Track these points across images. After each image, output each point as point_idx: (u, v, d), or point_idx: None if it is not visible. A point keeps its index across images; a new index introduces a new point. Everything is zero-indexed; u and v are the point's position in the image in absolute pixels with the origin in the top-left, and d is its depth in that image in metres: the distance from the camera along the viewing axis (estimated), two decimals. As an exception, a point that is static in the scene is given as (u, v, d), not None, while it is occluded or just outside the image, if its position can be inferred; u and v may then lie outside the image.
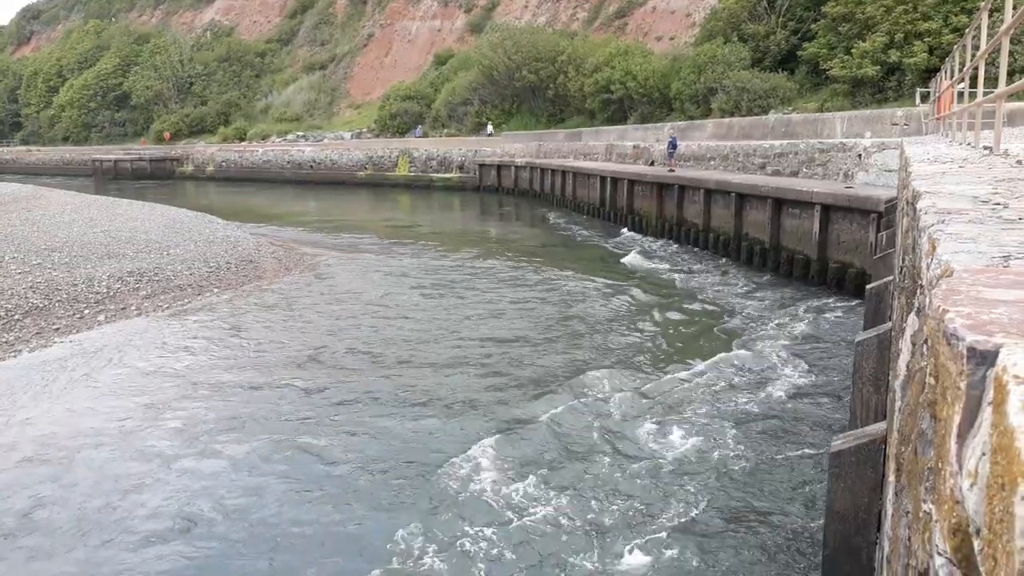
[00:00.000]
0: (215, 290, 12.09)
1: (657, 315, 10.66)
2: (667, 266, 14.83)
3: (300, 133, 52.73)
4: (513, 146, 35.68)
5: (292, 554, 4.67)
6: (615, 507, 5.21)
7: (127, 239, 14.96)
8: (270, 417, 6.81)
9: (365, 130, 49.99)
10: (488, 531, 4.87)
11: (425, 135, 41.80)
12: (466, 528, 4.91)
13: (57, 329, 9.49)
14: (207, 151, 51.11)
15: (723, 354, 8.68)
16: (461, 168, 37.80)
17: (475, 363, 8.35)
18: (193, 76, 64.22)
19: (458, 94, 44.56)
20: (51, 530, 4.90)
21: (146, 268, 12.63)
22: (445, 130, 44.06)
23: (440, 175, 38.46)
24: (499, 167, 34.89)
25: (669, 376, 7.94)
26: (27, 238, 14.36)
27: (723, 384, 7.69)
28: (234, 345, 9.14)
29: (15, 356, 8.50)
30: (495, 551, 4.67)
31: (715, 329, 10.01)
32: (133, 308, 10.64)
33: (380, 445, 6.24)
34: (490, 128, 37.75)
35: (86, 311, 10.26)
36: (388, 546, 4.71)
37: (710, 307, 11.24)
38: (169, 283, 12.03)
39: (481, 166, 36.10)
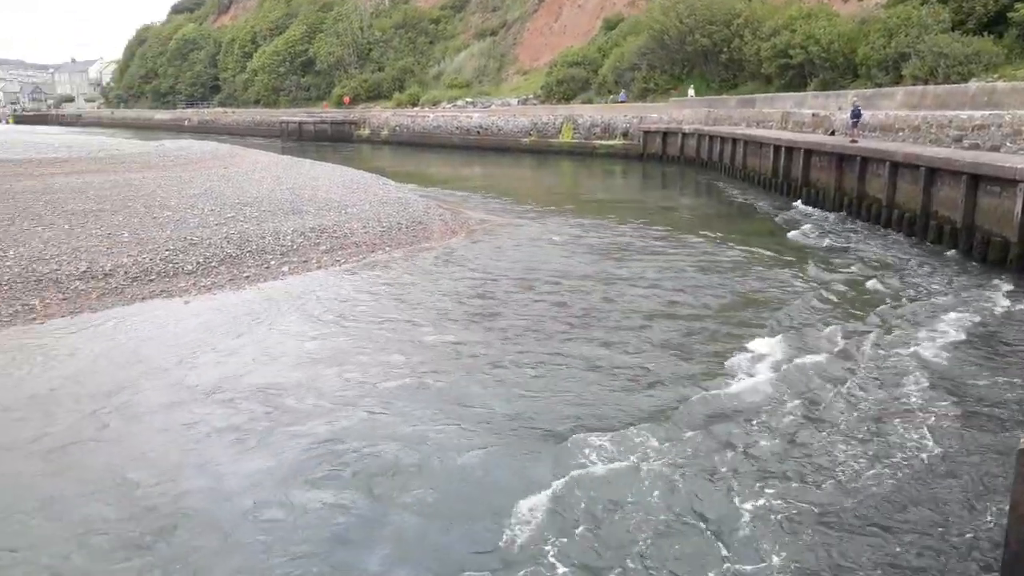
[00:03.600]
0: (387, 248, 12.69)
1: (828, 294, 10.05)
2: (843, 242, 13.94)
3: (469, 99, 53.86)
4: (681, 112, 34.62)
5: (445, 494, 4.86)
6: (788, 492, 5.03)
7: (309, 197, 15.98)
8: (434, 369, 7.08)
9: (531, 96, 50.26)
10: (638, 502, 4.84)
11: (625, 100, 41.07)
12: (605, 499, 4.90)
13: (247, 277, 10.35)
14: (382, 116, 53.40)
15: (900, 341, 8.07)
16: (625, 135, 37.23)
17: (631, 332, 8.24)
18: (372, 42, 67.04)
19: (626, 59, 43.69)
20: (238, 459, 5.38)
21: (326, 225, 13.46)
22: (611, 96, 43.46)
23: (603, 142, 38.08)
24: (665, 134, 34.06)
25: (841, 360, 7.48)
26: (223, 193, 15.67)
27: (897, 372, 7.15)
28: (402, 300, 9.56)
29: (213, 298, 9.37)
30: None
31: (892, 312, 9.30)
32: (313, 261, 11.39)
33: (543, 404, 6.33)
34: (691, 91, 36.50)
35: (272, 262, 11.11)
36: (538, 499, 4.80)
37: (889, 288, 10.45)
38: (346, 240, 12.76)
39: (646, 133, 35.37)
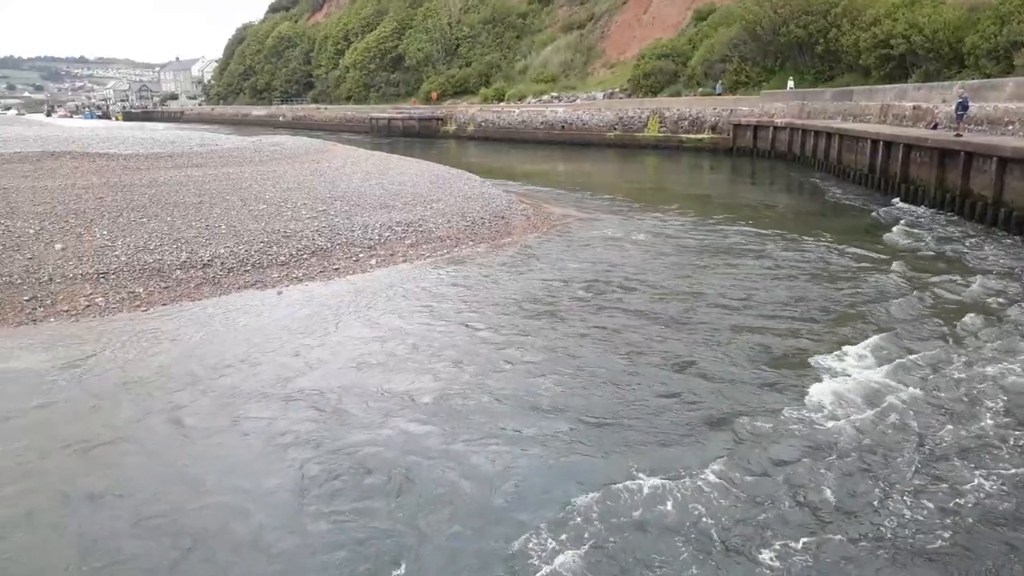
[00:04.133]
0: (470, 243, 12.84)
1: (929, 302, 9.48)
2: (945, 243, 13.27)
3: (554, 94, 53.80)
4: (773, 105, 33.62)
5: (526, 479, 4.90)
6: (900, 506, 4.86)
7: (396, 192, 16.31)
8: (517, 362, 7.14)
9: (617, 89, 49.80)
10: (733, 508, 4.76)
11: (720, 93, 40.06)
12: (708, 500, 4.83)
13: (336, 269, 10.67)
14: (468, 111, 53.93)
15: (1007, 352, 7.64)
16: (714, 129, 36.46)
17: (709, 348, 7.90)
18: (460, 38, 67.77)
19: (716, 51, 42.74)
20: (325, 446, 5.56)
21: (412, 219, 13.72)
22: (700, 89, 42.60)
23: (690, 136, 37.39)
24: (755, 128, 33.18)
25: (944, 386, 7.09)
26: (315, 187, 16.15)
27: (1011, 387, 6.77)
28: (483, 296, 9.67)
29: (304, 289, 9.71)
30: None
31: (997, 320, 8.81)
32: (400, 255, 11.64)
33: (628, 404, 6.30)
34: (790, 83, 35.31)
35: (361, 255, 11.41)
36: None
37: (994, 293, 9.90)
38: (431, 234, 12.98)
39: (736, 127, 34.54)
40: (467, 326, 8.35)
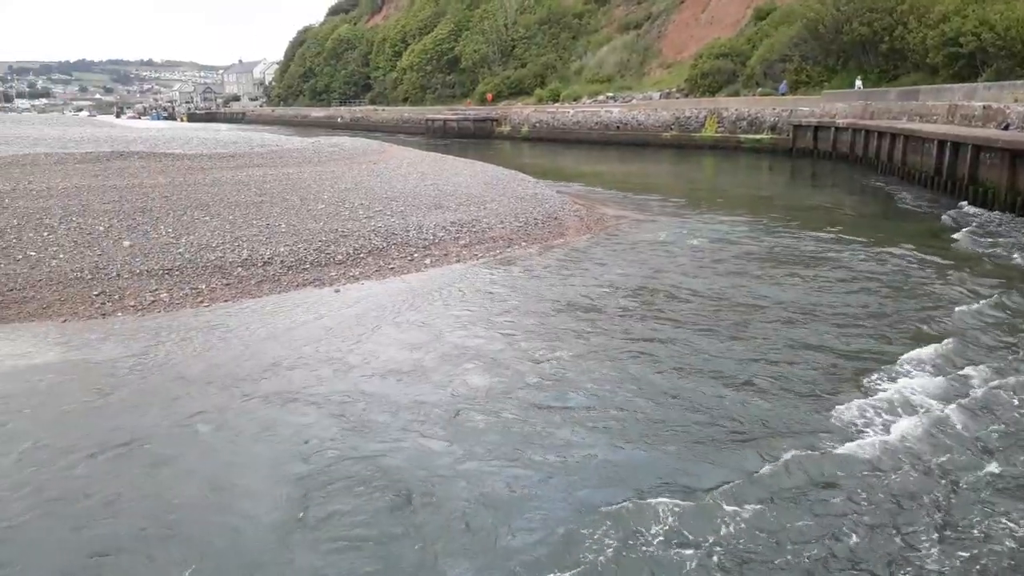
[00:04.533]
0: (523, 243, 12.87)
1: (1001, 317, 9.03)
2: (1017, 249, 12.78)
3: (610, 94, 53.52)
4: (835, 105, 32.84)
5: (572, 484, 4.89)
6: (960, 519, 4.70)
7: (451, 192, 16.45)
8: (554, 374, 7.13)
9: (674, 90, 49.28)
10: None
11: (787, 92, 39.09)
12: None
13: (392, 268, 10.81)
14: (523, 112, 54.01)
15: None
16: (773, 129, 35.81)
17: (761, 365, 7.42)
18: (515, 39, 67.94)
19: (776, 50, 41.96)
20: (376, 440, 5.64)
21: (466, 220, 13.82)
22: (759, 89, 41.87)
23: (749, 136, 36.79)
24: (816, 128, 32.45)
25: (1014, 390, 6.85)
26: (372, 187, 16.40)
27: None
28: (534, 297, 9.68)
29: (360, 287, 9.87)
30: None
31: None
32: (453, 255, 11.74)
33: (665, 426, 6.22)
34: (858, 83, 34.35)
35: (415, 254, 11.54)
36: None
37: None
38: (484, 234, 13.05)
39: (796, 127, 33.85)
40: (512, 331, 8.35)
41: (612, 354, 7.47)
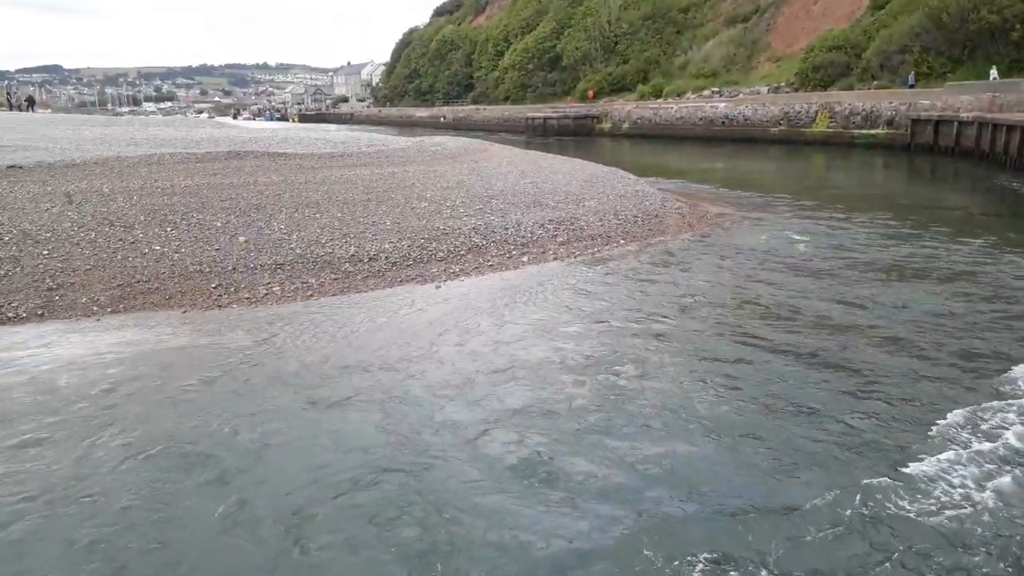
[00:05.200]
0: (621, 241, 12.77)
1: None
2: None
3: (715, 89, 52.29)
4: (959, 98, 30.93)
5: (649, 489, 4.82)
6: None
7: (550, 190, 16.49)
8: (667, 364, 7.05)
9: (783, 84, 47.66)
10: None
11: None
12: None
13: (491, 265, 10.95)
14: (624, 108, 53.49)
15: None
16: (889, 124, 34.09)
17: (877, 377, 6.91)
18: (618, 35, 67.33)
19: (895, 41, 39.90)
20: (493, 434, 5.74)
21: (563, 217, 13.83)
22: (875, 82, 39.96)
23: (863, 131, 35.18)
24: (937, 123, 30.67)
25: None
26: (472, 186, 16.64)
27: None
28: (631, 297, 9.59)
29: (460, 284, 10.05)
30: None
31: None
32: (550, 253, 11.78)
33: (738, 466, 6.04)
34: (993, 73, 32.03)
35: (513, 252, 11.65)
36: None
37: None
38: (582, 232, 13.03)
39: (914, 122, 32.08)
40: (602, 335, 8.29)
41: (693, 375, 7.28)
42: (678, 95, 54.33)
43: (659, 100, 54.31)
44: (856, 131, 35.55)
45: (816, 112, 38.11)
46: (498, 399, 6.35)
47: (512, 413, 6.07)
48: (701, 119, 45.09)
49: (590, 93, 64.90)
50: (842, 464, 5.19)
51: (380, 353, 7.42)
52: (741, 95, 47.99)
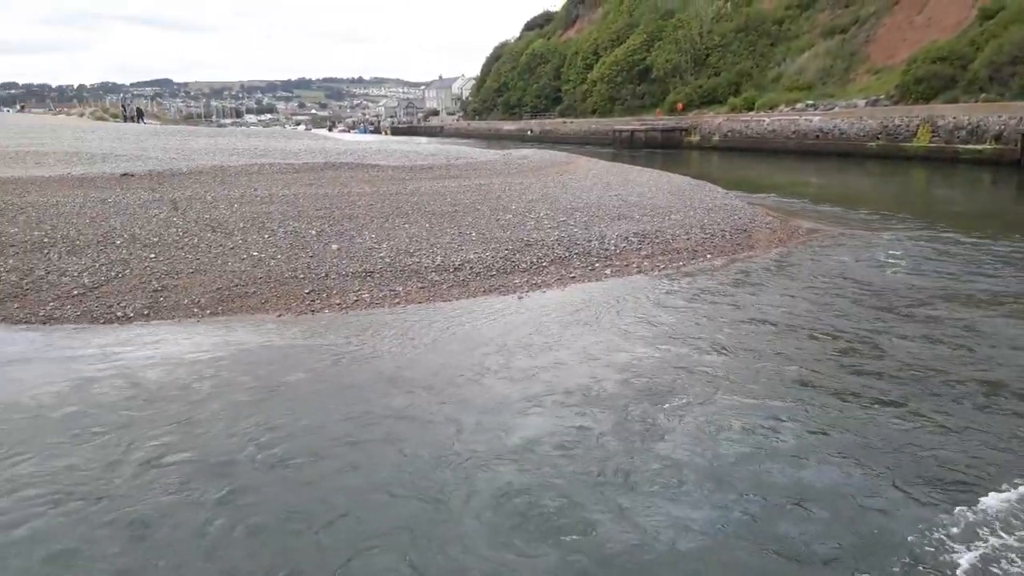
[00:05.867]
0: (708, 256, 12.60)
1: None
2: None
3: (810, 102, 50.88)
4: (1075, 112, 29.20)
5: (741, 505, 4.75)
6: None
7: (635, 203, 16.43)
8: (749, 384, 6.94)
9: (882, 96, 45.96)
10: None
11: None
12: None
13: (572, 277, 11.00)
14: (714, 121, 52.68)
15: None
16: (998, 139, 32.41)
17: (996, 402, 6.30)
18: (710, 48, 66.43)
19: (1005, 52, 37.96)
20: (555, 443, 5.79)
21: (648, 230, 13.76)
22: (983, 95, 38.07)
23: (968, 147, 33.55)
24: (1052, 138, 29.02)
25: None
26: (557, 198, 16.75)
27: None
28: (716, 314, 9.46)
29: (542, 295, 10.14)
30: None
31: None
32: (634, 266, 11.74)
33: (894, 455, 5.86)
34: None
35: (596, 264, 11.67)
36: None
37: None
38: (667, 245, 12.93)
39: (1026, 137, 30.45)
40: (680, 353, 8.20)
41: (772, 409, 7.11)
42: (770, 108, 53.12)
43: (750, 113, 53.21)
44: (960, 146, 33.95)
45: (917, 126, 36.59)
46: (581, 411, 6.39)
47: (582, 428, 6.10)
48: (794, 132, 43.95)
49: (679, 105, 64.19)
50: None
51: (465, 361, 7.58)
52: (837, 108, 46.53)
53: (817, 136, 42.18)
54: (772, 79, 59.29)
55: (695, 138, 52.38)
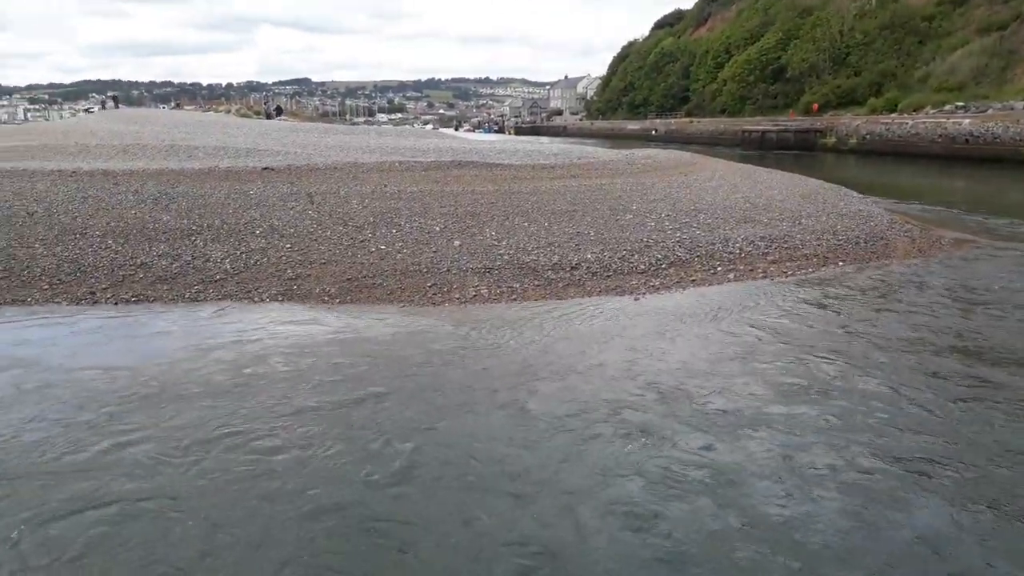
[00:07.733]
0: (839, 263, 12.04)
1: None
2: None
3: (959, 103, 47.50)
4: None
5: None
6: None
7: (763, 206, 15.89)
8: (880, 400, 6.60)
9: (1045, 98, 42.33)
10: None
11: None
12: None
13: (693, 280, 10.79)
14: (852, 123, 50.12)
15: None
16: None
17: None
18: (851, 46, 63.25)
19: None
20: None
21: (776, 235, 13.28)
22: None
23: None
24: None
25: None
26: (680, 199, 16.45)
27: None
28: (844, 325, 9.02)
29: (659, 297, 10.00)
30: None
31: None
32: (760, 271, 11.37)
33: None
34: None
35: (718, 267, 11.38)
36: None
37: None
38: (795, 251, 12.45)
39: None
40: (812, 349, 7.88)
41: (891, 449, 6.70)
42: (914, 110, 49.98)
43: (892, 115, 50.26)
44: None
45: (1085, 129, 33.47)
46: (693, 414, 6.28)
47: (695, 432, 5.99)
48: (940, 136, 41.16)
49: (815, 106, 61.51)
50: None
51: (558, 362, 7.58)
52: (991, 110, 43.22)
53: (967, 140, 39.29)
54: (919, 79, 55.74)
55: (830, 140, 49.96)
